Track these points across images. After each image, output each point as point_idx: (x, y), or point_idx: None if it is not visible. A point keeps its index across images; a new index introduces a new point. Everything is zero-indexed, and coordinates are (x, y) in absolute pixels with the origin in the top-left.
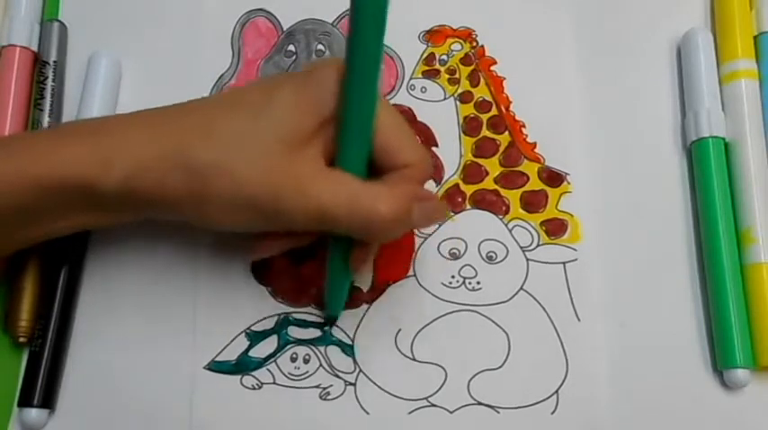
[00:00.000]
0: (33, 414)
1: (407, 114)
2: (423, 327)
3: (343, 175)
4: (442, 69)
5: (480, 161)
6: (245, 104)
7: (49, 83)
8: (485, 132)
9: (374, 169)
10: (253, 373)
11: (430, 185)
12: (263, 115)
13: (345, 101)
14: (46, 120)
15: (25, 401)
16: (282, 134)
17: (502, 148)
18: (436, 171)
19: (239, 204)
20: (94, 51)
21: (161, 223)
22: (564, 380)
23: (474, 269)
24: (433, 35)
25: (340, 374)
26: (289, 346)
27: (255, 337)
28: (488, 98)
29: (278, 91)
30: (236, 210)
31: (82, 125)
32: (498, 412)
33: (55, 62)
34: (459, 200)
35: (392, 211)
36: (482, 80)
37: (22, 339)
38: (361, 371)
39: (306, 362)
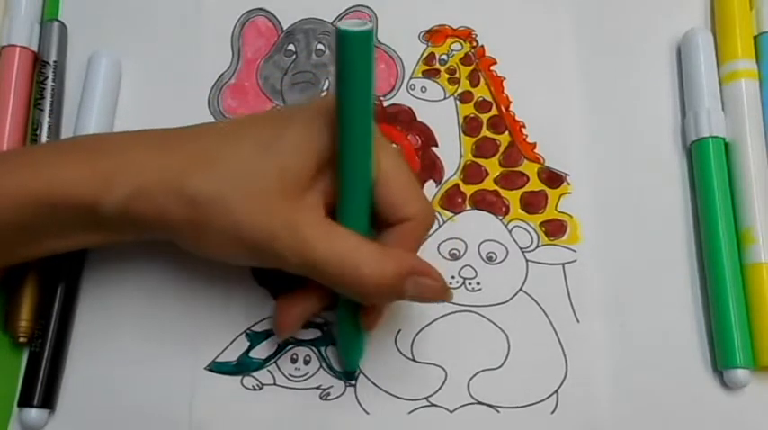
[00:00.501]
0: (33, 414)
1: (407, 114)
2: (423, 327)
3: (340, 230)
4: (442, 69)
5: (480, 161)
6: (253, 138)
7: (49, 83)
8: (485, 132)
9: (378, 222)
10: (253, 374)
11: (430, 185)
12: (268, 152)
13: (339, 156)
14: (46, 120)
15: (25, 401)
16: (287, 175)
17: (502, 149)
18: (436, 171)
19: (236, 239)
20: (94, 51)
21: None
22: (564, 380)
23: (474, 270)
24: (433, 35)
25: (340, 375)
26: (289, 347)
27: (256, 338)
28: (488, 98)
29: (286, 129)
30: (232, 244)
31: (84, 142)
32: (498, 412)
33: (55, 62)
34: (459, 200)
35: (375, 277)
36: (482, 80)
37: (22, 339)
38: (361, 371)
39: (306, 363)
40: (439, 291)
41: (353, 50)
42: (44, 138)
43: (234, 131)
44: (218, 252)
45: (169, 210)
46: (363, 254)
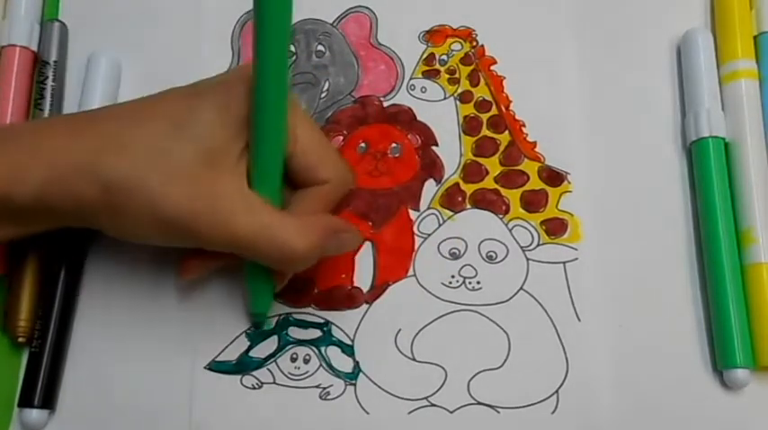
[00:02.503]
0: (34, 414)
1: (407, 114)
2: (423, 327)
3: (261, 204)
4: (442, 69)
5: (480, 160)
6: (164, 116)
7: (49, 83)
8: (485, 132)
9: (293, 183)
10: (253, 373)
11: (430, 184)
12: (182, 130)
13: (253, 121)
14: None
15: (25, 402)
16: (203, 153)
17: (502, 148)
18: (436, 170)
19: (155, 221)
20: (94, 51)
21: None
22: (564, 380)
23: (474, 269)
24: (433, 35)
25: (340, 374)
26: (289, 346)
27: (256, 337)
28: (488, 98)
29: (199, 105)
30: (152, 225)
31: None
32: (498, 412)
33: (55, 62)
34: (460, 199)
35: (305, 249)
36: (482, 80)
37: (21, 339)
38: (361, 371)
39: (306, 362)
40: (355, 240)
41: (272, 6)
42: None
43: (145, 110)
44: (138, 234)
45: (84, 196)
46: (290, 228)
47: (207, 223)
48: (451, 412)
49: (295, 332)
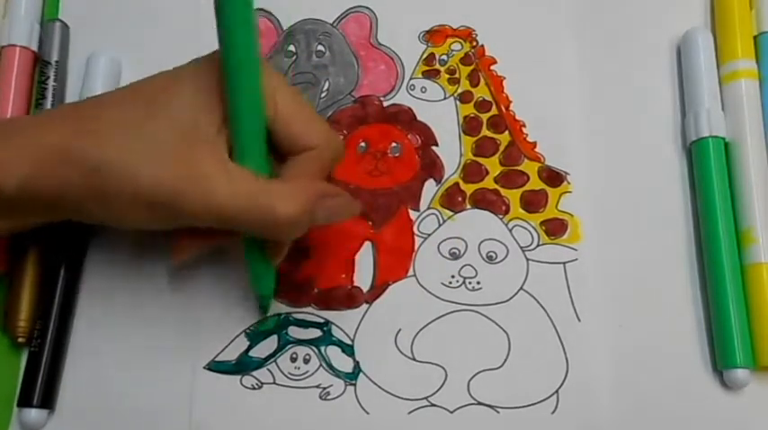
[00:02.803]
0: (33, 414)
1: (407, 114)
2: (423, 327)
3: (243, 173)
4: (442, 69)
5: (480, 160)
6: (140, 98)
7: (51, 83)
8: (485, 132)
9: (280, 155)
10: (253, 373)
11: (430, 185)
12: (158, 110)
13: (228, 95)
14: None
15: (25, 401)
16: (180, 130)
17: (502, 148)
18: (436, 170)
19: (141, 202)
20: (93, 51)
21: None
22: (564, 380)
23: (474, 269)
24: (433, 35)
25: (340, 374)
26: (289, 346)
27: (255, 337)
28: (488, 98)
29: (175, 86)
30: (138, 207)
31: None
32: (498, 412)
33: (57, 62)
34: (460, 199)
35: (291, 213)
36: (482, 80)
37: (20, 339)
38: (361, 371)
39: (306, 362)
40: (348, 207)
41: None
42: None
43: (125, 94)
44: (126, 218)
45: (70, 183)
46: (274, 193)
47: (190, 198)
48: (451, 412)
49: (295, 332)
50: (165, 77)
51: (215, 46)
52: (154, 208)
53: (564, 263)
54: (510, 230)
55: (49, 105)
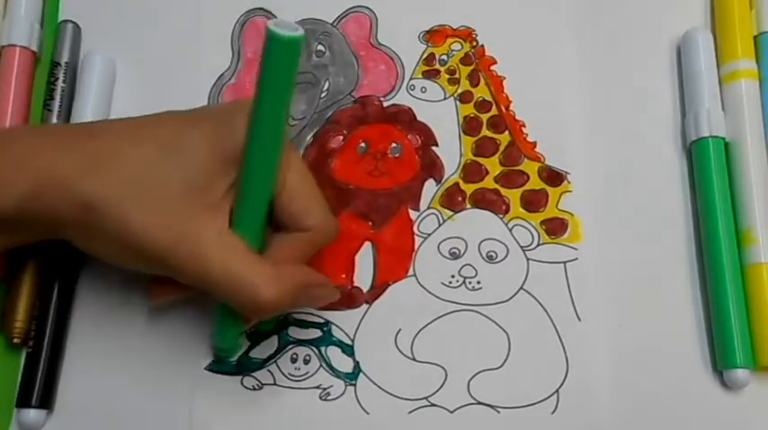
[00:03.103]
0: (32, 414)
1: (407, 114)
2: (423, 327)
3: (237, 247)
4: (442, 69)
5: (480, 160)
6: (154, 140)
7: (60, 83)
8: (485, 132)
9: (275, 224)
10: (253, 374)
11: (430, 185)
12: (169, 156)
13: (245, 160)
14: (54, 121)
15: (23, 402)
16: (187, 184)
17: (502, 148)
18: (436, 170)
19: (131, 248)
20: (88, 50)
21: None
22: (564, 380)
23: (474, 269)
24: (433, 35)
25: (340, 374)
26: (289, 347)
27: (256, 338)
28: (488, 98)
29: (191, 132)
30: (127, 252)
31: None
32: (498, 412)
33: (66, 63)
34: (460, 199)
35: (273, 299)
36: (482, 80)
37: (16, 340)
38: (361, 371)
39: (306, 362)
40: (329, 296)
41: (280, 53)
42: None
43: (135, 131)
44: (112, 257)
45: (62, 212)
46: (260, 276)
47: (180, 257)
48: (451, 412)
49: (295, 332)
50: (184, 120)
51: (215, 46)
52: (142, 256)
53: (564, 262)
54: (510, 230)
55: (57, 106)
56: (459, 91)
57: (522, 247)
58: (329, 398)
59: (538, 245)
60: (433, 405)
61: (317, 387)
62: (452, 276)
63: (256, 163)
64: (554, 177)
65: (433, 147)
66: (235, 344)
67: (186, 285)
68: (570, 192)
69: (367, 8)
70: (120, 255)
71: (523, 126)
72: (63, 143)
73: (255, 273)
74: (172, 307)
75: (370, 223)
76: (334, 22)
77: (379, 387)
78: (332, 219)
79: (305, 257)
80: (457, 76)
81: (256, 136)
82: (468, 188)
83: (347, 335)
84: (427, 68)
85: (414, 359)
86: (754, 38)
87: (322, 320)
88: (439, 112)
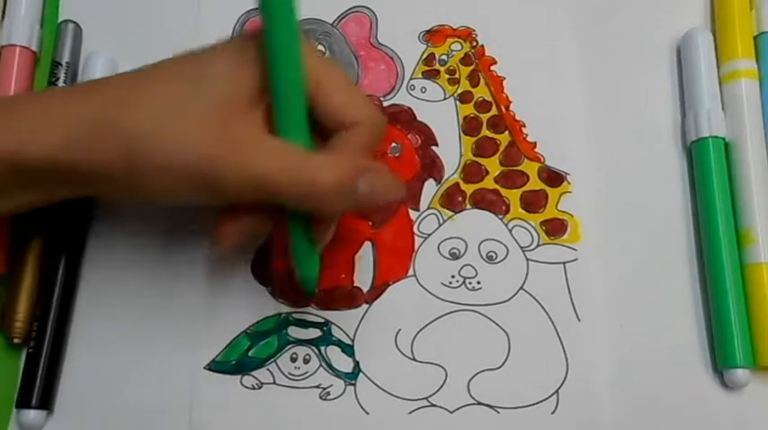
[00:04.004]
0: (31, 415)
1: (407, 114)
2: (423, 327)
3: (284, 145)
4: (442, 69)
5: (480, 160)
6: (178, 73)
7: (60, 83)
8: (485, 132)
9: (323, 132)
10: (253, 373)
11: (430, 184)
12: (196, 83)
13: (269, 62)
14: None
15: (23, 402)
16: (218, 101)
17: (502, 148)
18: (436, 170)
19: (173, 174)
20: (90, 51)
21: (159, 222)
22: (564, 380)
23: (474, 269)
24: (433, 35)
25: (340, 374)
26: (289, 346)
27: (256, 337)
28: (488, 98)
29: (212, 60)
30: (170, 180)
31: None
32: (498, 412)
33: (67, 63)
34: (460, 199)
35: (332, 184)
36: (482, 80)
37: (16, 340)
38: (361, 371)
39: (306, 362)
40: (392, 187)
41: None
42: None
43: (158, 71)
44: (157, 191)
45: (100, 155)
46: (315, 162)
47: (229, 167)
48: (451, 412)
49: (295, 332)
50: (201, 54)
51: None
52: (192, 178)
53: (564, 263)
54: (510, 230)
55: None
56: (459, 91)
57: (521, 248)
58: (329, 397)
59: (538, 245)
60: (432, 405)
61: (317, 386)
62: (452, 276)
63: (279, 64)
64: (554, 178)
65: (433, 147)
66: (315, 271)
67: (250, 215)
68: (570, 192)
69: (367, 8)
70: (166, 185)
71: (523, 126)
72: (86, 92)
73: (308, 160)
74: (231, 254)
75: (370, 223)
76: (334, 22)
77: (379, 387)
78: (376, 110)
79: (359, 153)
80: (457, 76)
81: (271, 37)
82: (469, 188)
83: (347, 334)
84: (427, 68)
85: (414, 359)
86: (754, 38)
87: (322, 320)
88: (439, 112)
